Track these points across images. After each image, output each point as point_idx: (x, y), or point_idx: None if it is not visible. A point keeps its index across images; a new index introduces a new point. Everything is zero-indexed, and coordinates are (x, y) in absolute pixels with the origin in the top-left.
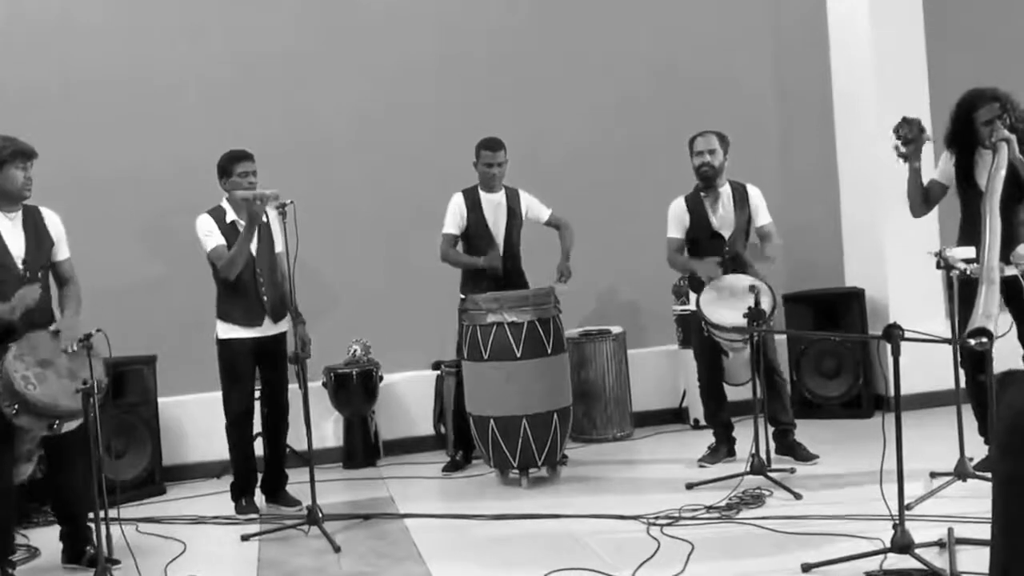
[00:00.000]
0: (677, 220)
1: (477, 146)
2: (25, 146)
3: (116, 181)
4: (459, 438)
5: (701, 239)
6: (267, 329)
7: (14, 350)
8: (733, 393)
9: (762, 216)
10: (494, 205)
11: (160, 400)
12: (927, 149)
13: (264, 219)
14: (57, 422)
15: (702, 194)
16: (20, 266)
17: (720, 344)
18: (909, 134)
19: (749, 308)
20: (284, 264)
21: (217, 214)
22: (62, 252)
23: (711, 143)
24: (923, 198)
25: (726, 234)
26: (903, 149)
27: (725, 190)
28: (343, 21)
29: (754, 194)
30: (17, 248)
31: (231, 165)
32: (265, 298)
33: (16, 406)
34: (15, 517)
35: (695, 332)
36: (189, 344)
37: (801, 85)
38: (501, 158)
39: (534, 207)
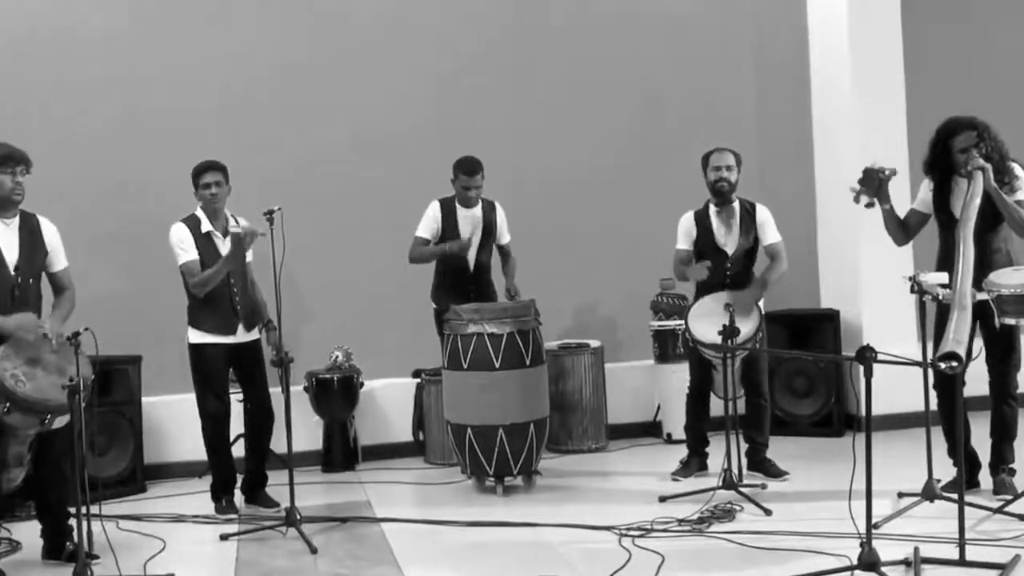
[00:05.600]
0: (685, 233)
1: (455, 167)
2: (15, 152)
3: (106, 186)
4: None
5: (706, 254)
6: (241, 336)
7: (2, 350)
8: (711, 408)
9: (770, 234)
10: (470, 219)
11: (144, 399)
12: (903, 179)
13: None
14: (48, 417)
15: (715, 210)
16: (12, 272)
17: (711, 359)
18: (868, 186)
19: (724, 326)
20: (252, 272)
21: (192, 223)
22: (59, 262)
23: (727, 159)
24: (902, 229)
25: (729, 251)
26: (863, 199)
27: (736, 207)
28: (334, 33)
29: (762, 212)
30: (11, 254)
31: (197, 176)
32: (239, 307)
33: (7, 404)
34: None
35: (690, 344)
36: (174, 345)
37: (781, 111)
38: (478, 181)
39: (502, 227)
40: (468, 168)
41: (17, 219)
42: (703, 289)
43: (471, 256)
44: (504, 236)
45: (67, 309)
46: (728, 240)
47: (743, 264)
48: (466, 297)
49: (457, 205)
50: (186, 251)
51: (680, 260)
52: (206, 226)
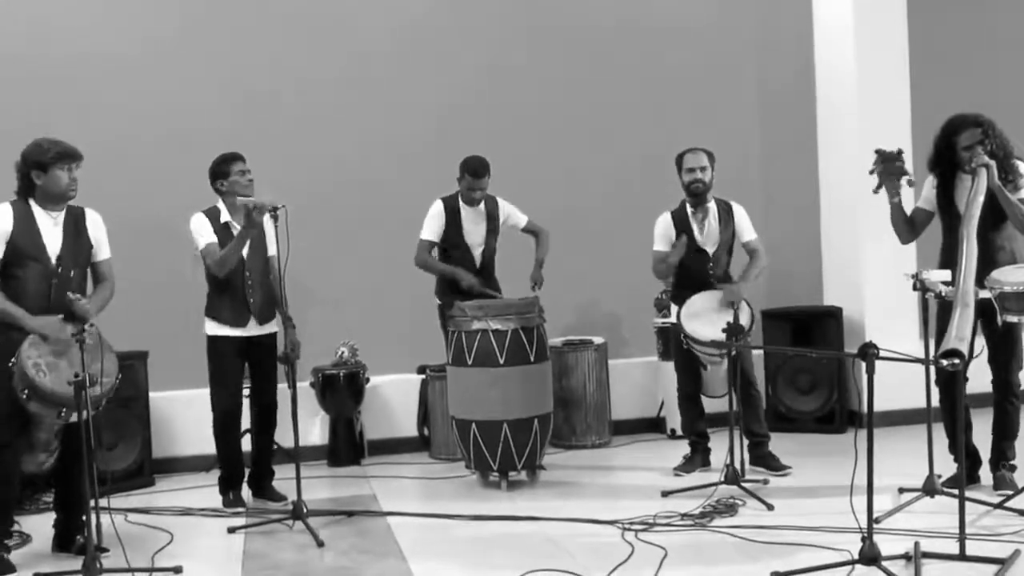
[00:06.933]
0: (663, 234)
1: (462, 167)
2: (70, 148)
3: (113, 183)
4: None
5: (688, 254)
6: (252, 329)
7: (32, 337)
8: (709, 405)
9: (747, 232)
10: (473, 216)
11: (151, 394)
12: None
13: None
14: (64, 410)
15: (691, 210)
16: (53, 261)
17: (699, 357)
18: (878, 166)
19: (728, 323)
20: (276, 267)
21: (212, 214)
22: (101, 253)
23: (701, 160)
24: (908, 226)
25: (710, 250)
26: (875, 183)
27: (711, 207)
28: (341, 39)
29: (738, 211)
30: (53, 245)
31: (227, 166)
32: (251, 300)
33: (27, 391)
34: (15, 500)
35: (676, 344)
36: (181, 341)
37: (785, 107)
38: (485, 184)
39: (512, 215)
40: (475, 171)
41: (63, 213)
42: (685, 287)
43: (477, 254)
44: (520, 220)
45: (103, 298)
46: (708, 239)
47: (724, 261)
48: (472, 294)
49: (461, 203)
50: (205, 236)
51: (659, 261)
52: (225, 217)
